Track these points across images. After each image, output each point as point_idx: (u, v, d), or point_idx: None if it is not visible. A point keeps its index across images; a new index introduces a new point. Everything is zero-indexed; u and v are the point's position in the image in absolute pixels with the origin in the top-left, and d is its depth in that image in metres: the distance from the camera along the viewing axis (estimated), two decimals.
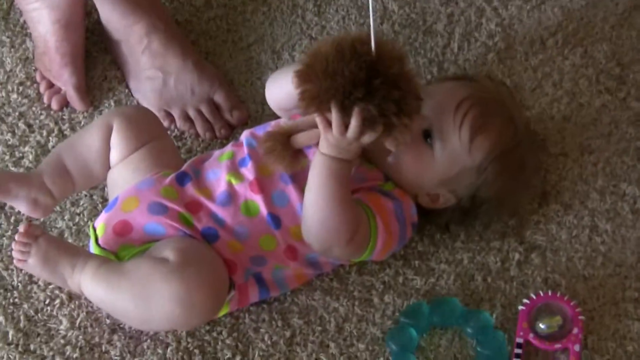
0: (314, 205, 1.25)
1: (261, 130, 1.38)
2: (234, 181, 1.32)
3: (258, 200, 1.31)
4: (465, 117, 1.33)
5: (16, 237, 1.28)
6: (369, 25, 1.61)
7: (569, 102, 1.57)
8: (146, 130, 1.40)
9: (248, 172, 1.33)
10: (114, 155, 1.38)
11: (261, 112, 1.56)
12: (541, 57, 1.62)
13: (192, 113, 1.55)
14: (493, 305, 1.37)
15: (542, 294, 1.35)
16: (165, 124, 1.55)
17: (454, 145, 1.33)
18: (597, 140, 1.53)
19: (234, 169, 1.34)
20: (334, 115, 1.16)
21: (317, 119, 1.19)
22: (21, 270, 1.38)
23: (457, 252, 1.42)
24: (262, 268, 1.33)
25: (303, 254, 1.33)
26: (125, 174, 1.37)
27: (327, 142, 1.20)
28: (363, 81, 1.12)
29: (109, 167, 1.39)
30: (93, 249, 1.33)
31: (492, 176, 1.35)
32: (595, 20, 1.66)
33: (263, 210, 1.31)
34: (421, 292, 1.38)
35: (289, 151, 1.25)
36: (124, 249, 1.30)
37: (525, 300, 1.35)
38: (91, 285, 1.25)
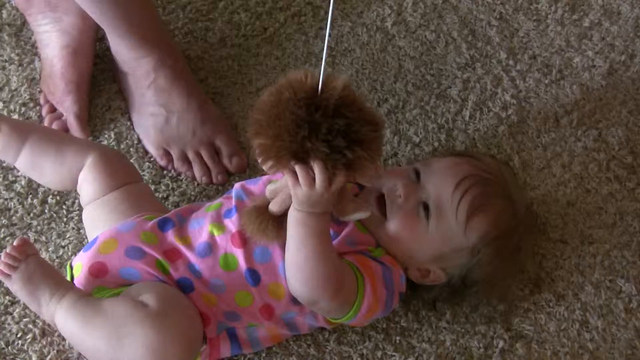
0: (296, 265, 1.22)
1: (253, 184, 1.35)
2: (215, 232, 1.29)
3: (238, 254, 1.28)
4: (464, 196, 1.30)
5: (7, 249, 1.25)
6: (380, 82, 1.60)
7: (575, 186, 1.53)
8: (122, 172, 1.39)
9: (232, 223, 1.30)
10: (88, 191, 1.36)
11: None
12: (553, 135, 1.58)
13: (190, 155, 1.52)
14: None
15: None
16: (163, 162, 1.53)
17: (449, 223, 1.30)
18: (600, 231, 1.48)
19: (218, 219, 1.31)
20: (298, 170, 1.12)
21: (286, 177, 1.14)
22: None
23: (441, 332, 1.39)
24: (236, 323, 1.30)
25: (279, 313, 1.30)
26: (102, 215, 1.35)
27: (297, 199, 1.16)
28: (305, 119, 1.07)
29: (60, 186, 1.42)
30: None
31: (486, 259, 1.32)
32: (614, 103, 1.62)
33: (242, 265, 1.28)
34: None
35: (269, 222, 1.21)
36: (99, 291, 1.28)
37: None
38: (65, 317, 1.22)
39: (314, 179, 1.12)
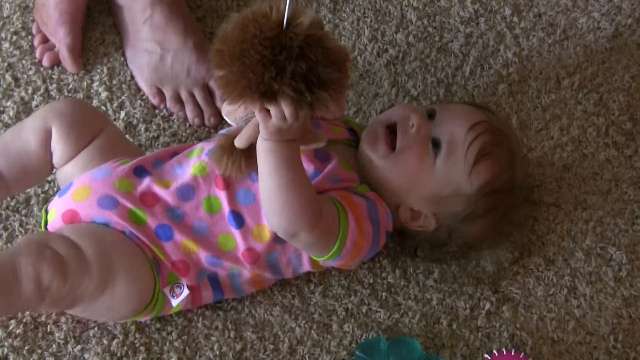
0: (270, 193, 1.19)
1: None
2: (198, 173, 1.27)
3: (221, 196, 1.26)
4: (476, 139, 1.29)
5: None
6: (382, 31, 1.57)
7: (572, 150, 1.50)
8: (88, 128, 1.33)
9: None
10: (58, 157, 1.31)
11: None
12: (553, 97, 1.55)
13: (184, 95, 1.49)
14: (453, 353, 1.32)
15: (504, 351, 1.30)
16: (155, 101, 1.50)
17: (457, 163, 1.29)
18: (594, 197, 1.47)
19: (200, 159, 1.29)
20: (271, 107, 1.09)
21: (255, 110, 1.12)
22: None
23: (428, 290, 1.37)
24: (218, 269, 1.29)
25: (263, 256, 1.28)
26: (76, 171, 1.31)
27: (267, 130, 1.13)
28: (271, 59, 1.05)
29: (49, 170, 1.34)
30: None
31: (479, 212, 1.31)
32: (617, 67, 1.59)
33: (225, 207, 1.26)
34: (383, 326, 1.34)
35: (240, 157, 1.21)
36: None
37: (486, 356, 1.30)
38: None
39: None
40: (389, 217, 1.31)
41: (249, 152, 1.21)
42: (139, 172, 1.28)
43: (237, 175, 1.23)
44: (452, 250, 1.36)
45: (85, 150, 1.31)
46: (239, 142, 1.20)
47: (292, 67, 1.05)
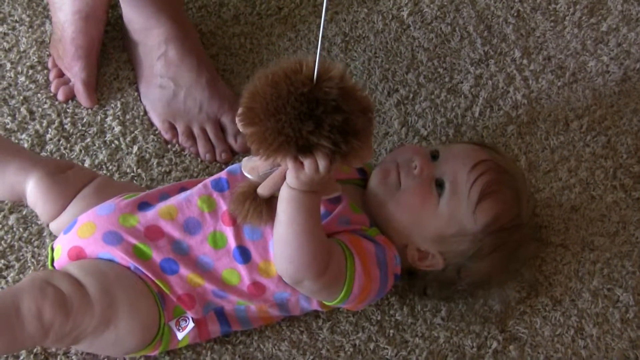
0: (286, 240, 1.20)
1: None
2: (205, 209, 1.28)
3: (227, 232, 1.27)
4: (479, 178, 1.30)
5: None
6: (392, 71, 1.58)
7: (580, 192, 1.52)
8: (71, 184, 1.34)
9: (222, 199, 1.29)
10: (43, 211, 1.33)
11: None
12: (562, 139, 1.56)
13: (196, 131, 1.51)
14: None
15: None
16: (168, 136, 1.51)
17: (460, 202, 1.30)
18: (601, 238, 1.47)
19: (206, 191, 1.30)
20: (306, 161, 1.10)
21: (287, 161, 1.12)
22: None
23: (435, 328, 1.38)
24: (224, 302, 1.29)
25: (271, 292, 1.28)
26: (69, 221, 1.32)
27: (298, 181, 1.14)
28: (307, 114, 1.06)
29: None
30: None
31: (486, 250, 1.31)
32: (625, 111, 1.60)
33: (231, 243, 1.27)
34: None
35: (263, 206, 1.21)
36: None
37: None
38: None
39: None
40: (397, 261, 1.31)
41: (269, 200, 1.21)
42: (144, 207, 1.30)
43: (257, 223, 1.23)
44: (462, 288, 1.36)
45: (74, 202, 1.32)
46: (264, 191, 1.20)
47: (330, 120, 1.06)
